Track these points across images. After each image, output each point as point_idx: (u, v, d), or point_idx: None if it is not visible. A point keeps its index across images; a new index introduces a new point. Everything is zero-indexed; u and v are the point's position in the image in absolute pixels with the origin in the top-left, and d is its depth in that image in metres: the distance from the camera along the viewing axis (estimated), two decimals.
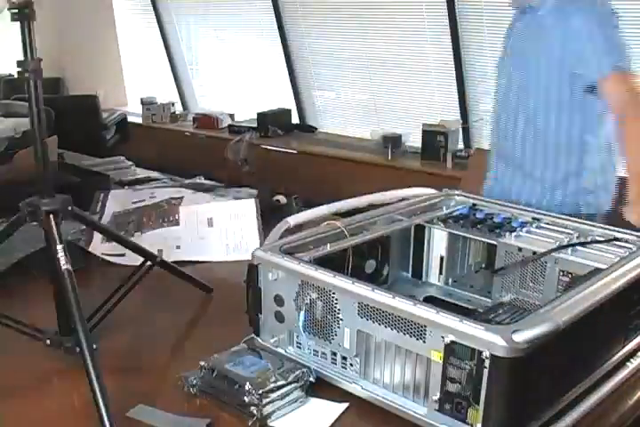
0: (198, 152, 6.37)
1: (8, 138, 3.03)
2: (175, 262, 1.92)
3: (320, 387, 1.43)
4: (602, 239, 1.65)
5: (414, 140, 5.54)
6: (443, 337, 1.23)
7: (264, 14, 6.59)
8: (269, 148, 6.13)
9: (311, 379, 1.42)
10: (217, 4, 7.07)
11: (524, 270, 1.67)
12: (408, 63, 5.72)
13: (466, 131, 5.47)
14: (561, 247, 1.63)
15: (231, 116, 6.93)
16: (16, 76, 1.45)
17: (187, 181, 2.95)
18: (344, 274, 1.45)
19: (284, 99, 6.69)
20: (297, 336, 1.51)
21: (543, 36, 2.31)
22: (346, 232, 1.68)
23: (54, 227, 1.50)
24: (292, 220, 1.71)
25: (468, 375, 1.22)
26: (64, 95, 7.24)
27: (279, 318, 1.53)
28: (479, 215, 1.84)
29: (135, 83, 8.19)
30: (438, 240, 1.84)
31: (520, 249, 1.67)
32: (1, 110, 3.64)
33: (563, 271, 1.61)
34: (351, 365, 1.43)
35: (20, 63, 1.44)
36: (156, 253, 1.84)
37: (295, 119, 6.64)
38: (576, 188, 2.42)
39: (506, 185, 2.53)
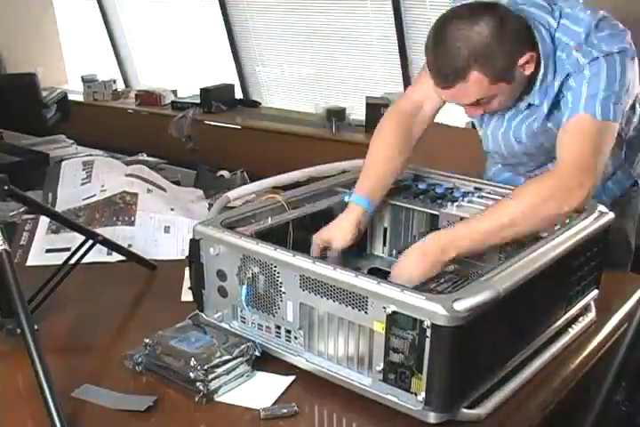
0: (141, 129, 6.30)
1: None
2: None
3: (266, 361, 1.44)
4: None
5: (359, 113, 5.54)
6: (384, 308, 1.24)
7: None
8: (213, 123, 6.09)
9: (257, 353, 1.42)
10: None
11: None
12: (351, 36, 5.70)
13: None
14: None
15: (174, 92, 6.86)
16: None
17: (129, 159, 2.93)
18: (286, 248, 1.45)
19: (226, 74, 6.64)
20: (241, 311, 1.52)
21: None
22: (286, 206, 1.68)
23: None
24: (233, 194, 1.71)
25: (411, 345, 1.23)
26: (2, 74, 7.10)
27: (222, 293, 1.52)
28: (421, 186, 1.86)
29: (75, 60, 8.05)
30: (381, 212, 1.85)
31: (462, 219, 1.68)
32: None
33: None
34: (295, 338, 1.43)
35: None
36: None
37: (239, 94, 6.59)
38: None
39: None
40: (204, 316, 1.58)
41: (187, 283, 1.72)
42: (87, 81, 7.20)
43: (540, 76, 1.69)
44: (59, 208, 2.19)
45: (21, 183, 1.88)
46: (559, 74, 1.68)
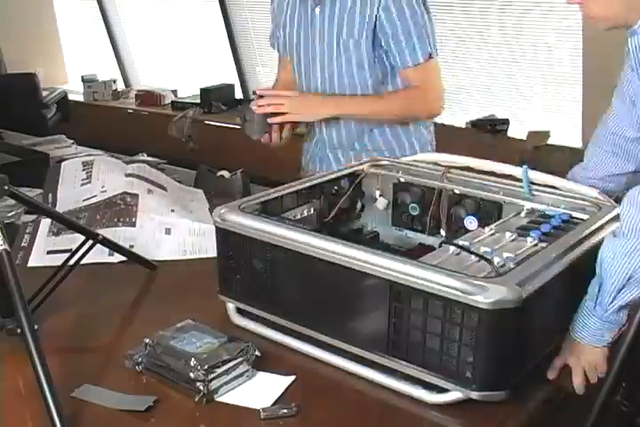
0: (141, 129, 6.30)
1: None
2: None
3: (266, 361, 1.44)
4: None
5: None
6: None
7: None
8: (213, 123, 6.09)
9: (257, 353, 1.42)
10: None
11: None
12: None
13: None
14: None
15: (174, 92, 6.86)
16: None
17: (129, 159, 2.92)
18: None
19: (226, 74, 6.64)
20: None
21: None
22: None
23: None
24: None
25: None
26: (2, 74, 7.10)
27: None
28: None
29: (75, 60, 8.05)
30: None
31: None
32: None
33: None
34: None
35: None
36: None
37: (239, 94, 6.59)
38: None
39: None
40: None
41: None
42: (87, 81, 7.21)
43: None
44: (59, 209, 2.18)
45: (21, 183, 1.89)
46: None
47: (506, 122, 5.17)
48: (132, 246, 1.96)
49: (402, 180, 1.86)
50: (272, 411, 1.31)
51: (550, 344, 1.44)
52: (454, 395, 1.30)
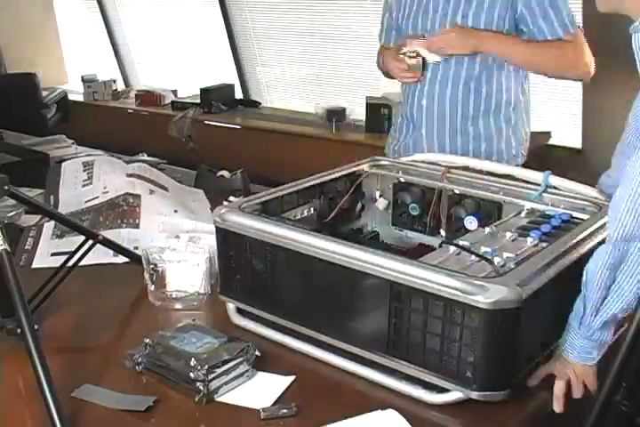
0: (141, 129, 6.30)
1: None
2: None
3: (266, 361, 1.44)
4: None
5: (359, 113, 5.54)
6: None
7: None
8: (213, 123, 6.08)
9: (257, 353, 1.42)
10: None
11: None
12: (351, 36, 5.70)
13: None
14: None
15: (174, 92, 6.85)
16: None
17: (129, 159, 2.93)
18: None
19: (226, 74, 6.64)
20: None
21: None
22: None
23: None
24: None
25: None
26: (2, 74, 7.10)
27: None
28: None
29: (75, 60, 8.04)
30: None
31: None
32: None
33: None
34: None
35: None
36: None
37: (239, 94, 6.59)
38: None
39: None
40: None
41: None
42: (87, 81, 7.19)
43: None
44: (62, 211, 2.17)
45: (21, 183, 1.89)
46: None
47: None
48: (136, 248, 1.96)
49: (402, 180, 1.86)
50: (272, 411, 1.31)
51: (550, 344, 1.44)
52: (454, 395, 1.30)
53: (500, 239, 1.49)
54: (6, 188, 1.53)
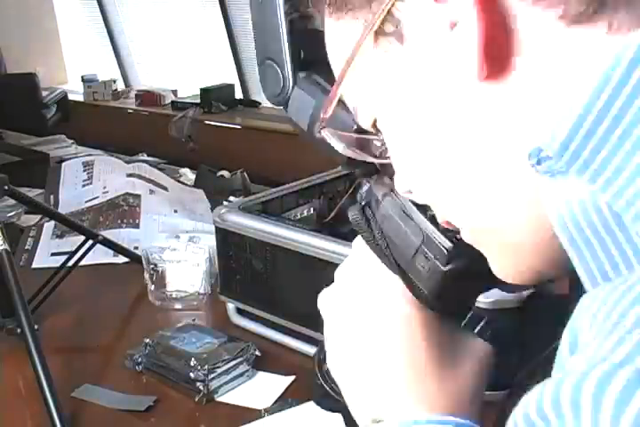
0: (141, 129, 6.30)
1: None
2: None
3: (266, 361, 1.44)
4: None
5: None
6: None
7: None
8: (213, 123, 6.09)
9: (257, 353, 1.42)
10: None
11: None
12: None
13: None
14: None
15: (174, 92, 6.86)
16: None
17: (129, 159, 2.93)
18: None
19: (226, 74, 6.64)
20: None
21: None
22: None
23: None
24: None
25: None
26: (2, 74, 7.10)
27: None
28: None
29: (75, 60, 8.05)
30: None
31: None
32: None
33: None
34: None
35: None
36: None
37: (239, 94, 6.59)
38: None
39: None
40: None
41: None
42: (87, 81, 7.20)
43: None
44: (62, 211, 2.16)
45: (21, 183, 1.89)
46: None
47: None
48: (136, 248, 1.96)
49: None
50: (274, 411, 1.30)
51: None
52: None
53: None
54: (6, 188, 1.54)
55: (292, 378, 1.41)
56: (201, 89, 6.30)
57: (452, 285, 0.66)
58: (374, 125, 0.59)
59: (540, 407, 0.42)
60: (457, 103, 0.51)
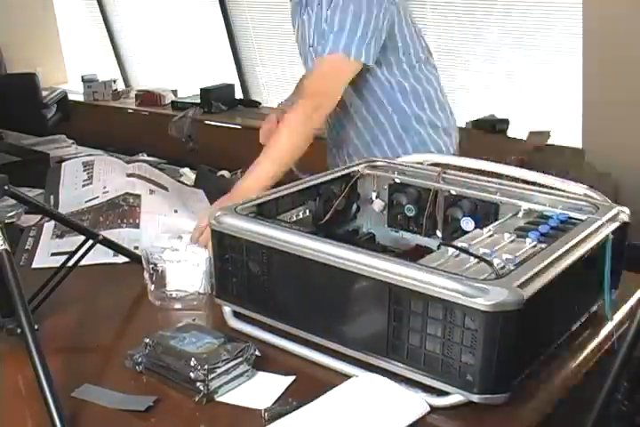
0: (141, 129, 6.30)
1: None
2: None
3: (266, 361, 1.44)
4: None
5: None
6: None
7: None
8: (213, 123, 6.09)
9: (257, 353, 1.42)
10: None
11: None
12: None
13: None
14: None
15: (174, 92, 6.86)
16: None
17: (129, 159, 2.93)
18: None
19: (226, 74, 6.64)
20: None
21: None
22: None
23: None
24: None
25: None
26: (2, 74, 7.11)
27: None
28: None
29: (75, 60, 8.05)
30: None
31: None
32: None
33: None
34: None
35: None
36: None
37: (239, 94, 6.60)
38: None
39: None
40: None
41: None
42: (87, 81, 7.21)
43: None
44: (62, 211, 2.16)
45: (21, 183, 1.89)
46: None
47: (506, 122, 5.17)
48: (136, 248, 1.96)
49: (397, 181, 1.85)
50: (275, 410, 1.30)
51: (551, 345, 1.44)
52: (455, 398, 1.29)
53: (498, 241, 1.48)
54: (6, 188, 1.54)
55: (292, 378, 1.41)
56: (201, 89, 6.31)
57: None
58: None
59: None
60: None
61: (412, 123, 2.35)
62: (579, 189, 1.67)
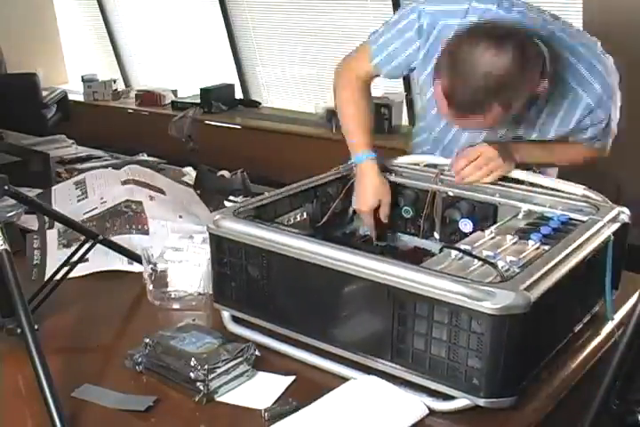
0: (141, 129, 6.30)
1: None
2: None
3: (266, 361, 1.44)
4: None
5: None
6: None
7: None
8: (213, 123, 6.09)
9: (257, 353, 1.42)
10: None
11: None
12: (351, 36, 5.69)
13: (410, 103, 5.48)
14: None
15: (174, 92, 6.86)
16: None
17: (129, 159, 2.93)
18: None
19: (226, 74, 6.64)
20: None
21: None
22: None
23: None
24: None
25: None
26: (2, 74, 7.10)
27: None
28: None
29: (75, 60, 8.04)
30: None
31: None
32: None
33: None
34: None
35: None
36: None
37: (239, 94, 6.59)
38: None
39: None
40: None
41: None
42: (87, 81, 7.20)
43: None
44: (58, 227, 2.12)
45: (21, 183, 1.89)
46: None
47: None
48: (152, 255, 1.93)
49: (394, 182, 1.85)
50: (275, 410, 1.30)
51: (555, 347, 1.44)
52: (461, 402, 1.29)
53: (500, 243, 1.48)
54: (6, 188, 1.54)
55: (292, 378, 1.41)
56: (201, 89, 6.31)
57: None
58: None
59: None
60: None
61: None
62: (577, 189, 1.67)
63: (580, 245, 1.41)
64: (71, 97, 6.81)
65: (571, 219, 1.57)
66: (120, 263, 1.91)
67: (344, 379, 1.39)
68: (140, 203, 2.15)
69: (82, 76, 7.31)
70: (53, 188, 2.45)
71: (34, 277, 1.91)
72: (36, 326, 1.37)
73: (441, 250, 1.48)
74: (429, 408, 1.31)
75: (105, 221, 2.11)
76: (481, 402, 1.27)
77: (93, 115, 6.79)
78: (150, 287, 1.74)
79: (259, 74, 6.58)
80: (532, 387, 1.37)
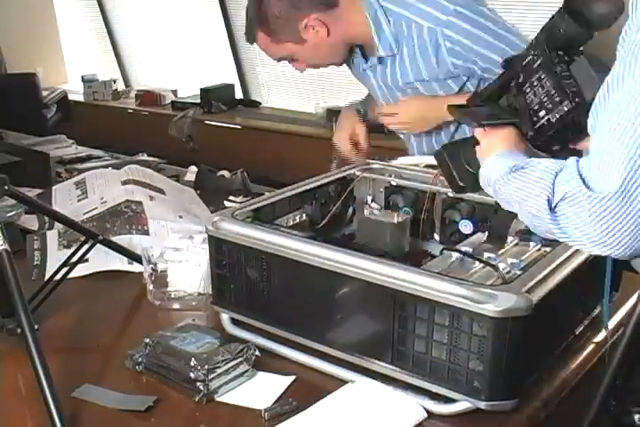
0: (141, 129, 6.30)
1: None
2: None
3: (266, 361, 1.44)
4: None
5: None
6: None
7: None
8: (213, 123, 6.09)
9: (257, 353, 1.42)
10: None
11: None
12: None
13: None
14: None
15: (174, 92, 6.86)
16: None
17: (129, 159, 2.93)
18: None
19: (226, 74, 6.64)
20: None
21: None
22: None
23: None
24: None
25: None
26: (2, 74, 7.10)
27: None
28: None
29: (75, 60, 8.05)
30: None
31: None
32: None
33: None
34: None
35: None
36: None
37: (239, 94, 6.59)
38: None
39: None
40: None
41: None
42: (87, 81, 7.20)
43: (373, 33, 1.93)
44: (58, 227, 2.12)
45: (21, 183, 1.89)
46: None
47: None
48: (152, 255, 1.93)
49: (394, 183, 1.84)
50: (275, 410, 1.30)
51: (557, 349, 1.44)
52: (462, 405, 1.28)
53: (501, 244, 1.48)
54: (6, 188, 1.54)
55: (292, 378, 1.41)
56: (201, 89, 6.31)
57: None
58: None
59: None
60: None
61: None
62: None
63: None
64: (71, 97, 6.82)
65: None
66: (120, 263, 1.91)
67: (344, 381, 1.39)
68: (140, 203, 2.15)
69: (82, 76, 7.31)
70: (53, 188, 2.45)
71: (34, 278, 1.90)
72: (36, 326, 1.37)
73: (442, 252, 1.47)
74: (430, 411, 1.30)
75: (105, 221, 2.10)
76: (482, 405, 1.26)
77: (93, 115, 6.79)
78: (150, 287, 1.74)
79: (259, 74, 6.58)
80: (532, 387, 1.37)
